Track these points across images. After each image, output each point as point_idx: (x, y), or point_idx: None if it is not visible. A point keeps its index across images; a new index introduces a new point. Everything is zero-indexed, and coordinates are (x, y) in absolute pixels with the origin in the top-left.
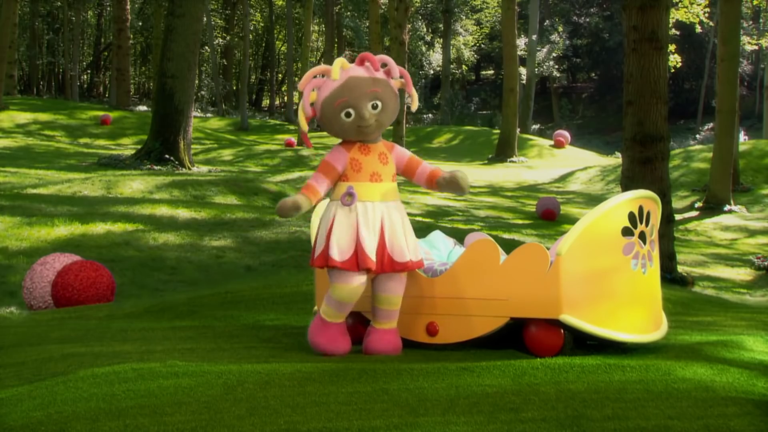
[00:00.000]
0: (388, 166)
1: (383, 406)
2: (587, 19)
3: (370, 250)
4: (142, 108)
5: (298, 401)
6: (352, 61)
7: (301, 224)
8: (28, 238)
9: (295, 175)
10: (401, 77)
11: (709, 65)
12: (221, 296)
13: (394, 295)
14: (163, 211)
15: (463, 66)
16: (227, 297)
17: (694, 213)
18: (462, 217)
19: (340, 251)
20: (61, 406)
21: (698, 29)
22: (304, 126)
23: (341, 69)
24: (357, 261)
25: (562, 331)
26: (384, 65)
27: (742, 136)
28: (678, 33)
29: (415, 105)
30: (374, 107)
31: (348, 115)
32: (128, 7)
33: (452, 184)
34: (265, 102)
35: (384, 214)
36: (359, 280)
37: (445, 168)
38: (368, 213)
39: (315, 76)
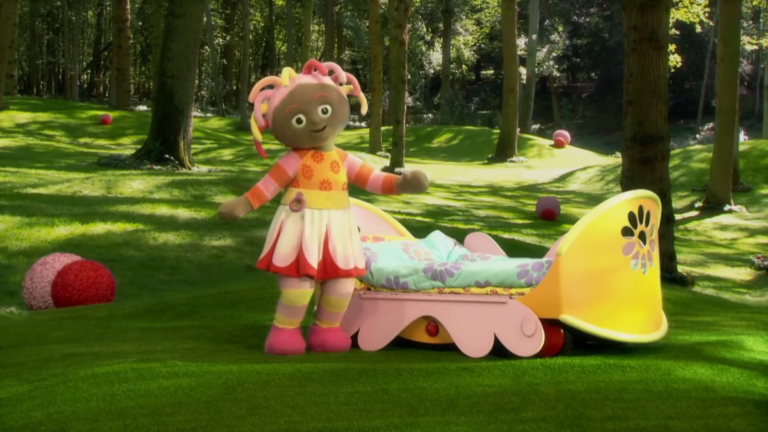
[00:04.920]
0: (339, 175)
1: (383, 406)
2: (587, 19)
3: (312, 256)
4: (142, 108)
5: (298, 401)
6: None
7: None
8: (28, 238)
9: None
10: (349, 83)
11: (709, 65)
12: (221, 296)
13: (341, 298)
14: (163, 211)
15: (463, 66)
16: (227, 297)
17: (694, 213)
18: (462, 217)
19: (283, 256)
20: (61, 406)
21: (698, 29)
22: (258, 136)
23: (289, 78)
24: (298, 266)
25: (562, 331)
26: (331, 72)
27: (742, 136)
28: (678, 33)
29: (364, 109)
30: (324, 111)
31: (299, 121)
32: (128, 7)
33: (413, 183)
34: None
35: (331, 222)
36: (303, 285)
37: (446, 167)
38: (315, 220)
39: (263, 88)
